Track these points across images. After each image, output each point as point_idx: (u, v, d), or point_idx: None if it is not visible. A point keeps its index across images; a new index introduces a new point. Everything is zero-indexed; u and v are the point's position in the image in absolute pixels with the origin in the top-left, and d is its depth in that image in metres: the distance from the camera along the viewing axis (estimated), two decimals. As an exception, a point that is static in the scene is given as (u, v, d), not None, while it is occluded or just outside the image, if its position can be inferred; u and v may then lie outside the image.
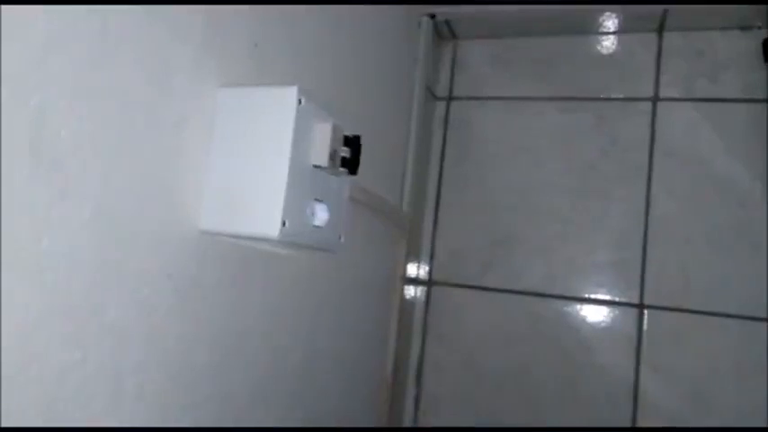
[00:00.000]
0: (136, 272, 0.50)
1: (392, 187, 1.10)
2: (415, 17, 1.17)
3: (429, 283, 1.25)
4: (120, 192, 0.47)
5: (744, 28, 1.11)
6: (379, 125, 1.02)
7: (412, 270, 1.21)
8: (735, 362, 1.05)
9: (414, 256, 1.22)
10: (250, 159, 0.55)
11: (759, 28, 1.10)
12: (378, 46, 0.99)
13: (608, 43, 1.21)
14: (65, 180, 0.42)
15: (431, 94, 1.26)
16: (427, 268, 1.25)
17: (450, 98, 1.29)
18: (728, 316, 1.06)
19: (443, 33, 1.26)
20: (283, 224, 0.53)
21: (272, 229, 0.53)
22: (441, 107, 1.29)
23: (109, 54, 0.45)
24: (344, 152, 0.61)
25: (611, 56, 1.20)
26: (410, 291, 1.21)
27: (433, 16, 1.18)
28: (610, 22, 1.16)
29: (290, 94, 0.55)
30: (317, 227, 0.61)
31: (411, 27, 1.15)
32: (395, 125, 1.10)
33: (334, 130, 0.59)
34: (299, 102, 0.55)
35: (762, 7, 1.04)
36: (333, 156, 0.59)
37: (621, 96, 1.17)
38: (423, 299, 1.25)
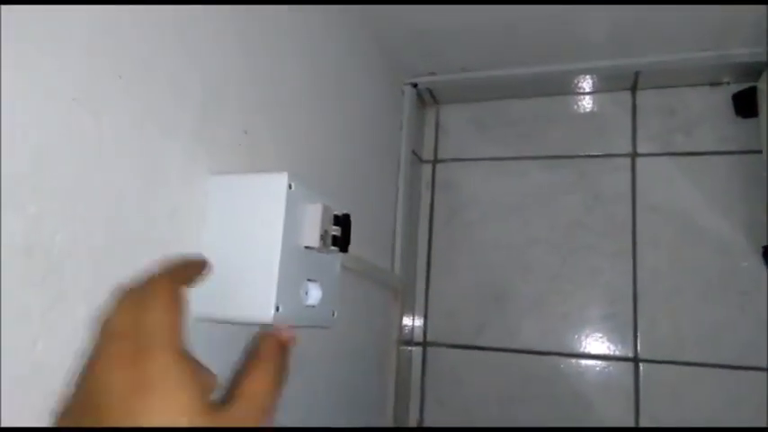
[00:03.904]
0: (131, 366, 0.50)
1: (383, 251, 1.11)
2: (398, 86, 1.21)
3: (424, 344, 1.24)
4: (115, 288, 0.48)
5: (713, 84, 1.16)
6: (368, 192, 1.04)
7: (407, 332, 1.21)
8: (734, 413, 1.04)
9: (408, 317, 1.22)
10: (242, 245, 0.56)
11: (728, 83, 1.15)
12: (363, 116, 1.02)
13: (584, 103, 1.25)
14: (59, 283, 0.43)
15: (417, 158, 1.29)
16: (422, 329, 1.25)
17: (435, 161, 1.32)
18: (723, 366, 1.06)
19: (426, 99, 1.31)
20: (277, 309, 0.54)
21: (266, 314, 0.53)
22: (427, 170, 1.32)
23: (104, 155, 0.47)
24: (335, 231, 0.63)
25: (588, 114, 1.24)
26: (406, 353, 1.21)
27: (415, 85, 1.22)
28: (584, 83, 1.21)
29: (280, 181, 0.56)
30: (311, 306, 0.61)
31: (394, 95, 1.19)
32: (383, 189, 1.12)
33: (325, 210, 0.60)
34: (290, 187, 0.57)
35: (730, 63, 1.09)
36: (324, 236, 0.60)
37: (601, 153, 1.21)
38: (419, 361, 1.24)
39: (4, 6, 0.39)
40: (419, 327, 1.25)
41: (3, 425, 0.39)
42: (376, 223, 1.08)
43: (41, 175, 0.41)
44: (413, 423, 1.21)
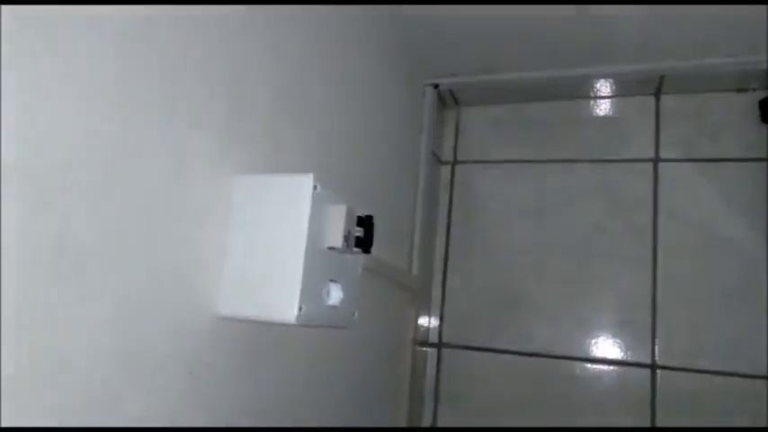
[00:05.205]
0: (154, 362, 0.50)
1: (401, 251, 1.11)
2: (420, 87, 1.21)
3: (439, 345, 1.24)
4: (142, 286, 0.49)
5: (740, 90, 1.15)
6: (387, 191, 1.05)
7: (422, 333, 1.21)
8: (752, 423, 1.03)
9: (424, 318, 1.22)
10: (267, 245, 0.57)
11: (754, 90, 1.14)
12: (385, 117, 1.02)
13: (607, 106, 1.24)
14: (87, 280, 0.43)
15: (436, 159, 1.29)
16: (437, 331, 1.25)
17: (454, 162, 1.32)
18: (741, 375, 1.05)
19: (447, 101, 1.30)
20: (300, 309, 0.54)
21: (289, 314, 0.54)
22: (446, 171, 1.32)
23: (132, 154, 0.47)
24: (358, 232, 0.63)
25: (610, 118, 1.23)
26: (421, 353, 1.21)
27: (436, 86, 1.22)
28: (608, 86, 1.20)
29: (306, 182, 0.57)
30: (332, 306, 0.62)
31: (416, 97, 1.19)
32: (402, 190, 1.12)
33: (348, 212, 0.61)
34: (315, 188, 0.57)
35: (757, 70, 1.07)
36: (347, 237, 0.61)
37: (622, 158, 1.20)
38: (434, 361, 1.24)
39: (34, 6, 0.39)
40: (435, 328, 1.25)
41: (21, 423, 0.39)
42: (394, 223, 1.08)
43: (70, 174, 0.42)
44: (426, 423, 1.21)
